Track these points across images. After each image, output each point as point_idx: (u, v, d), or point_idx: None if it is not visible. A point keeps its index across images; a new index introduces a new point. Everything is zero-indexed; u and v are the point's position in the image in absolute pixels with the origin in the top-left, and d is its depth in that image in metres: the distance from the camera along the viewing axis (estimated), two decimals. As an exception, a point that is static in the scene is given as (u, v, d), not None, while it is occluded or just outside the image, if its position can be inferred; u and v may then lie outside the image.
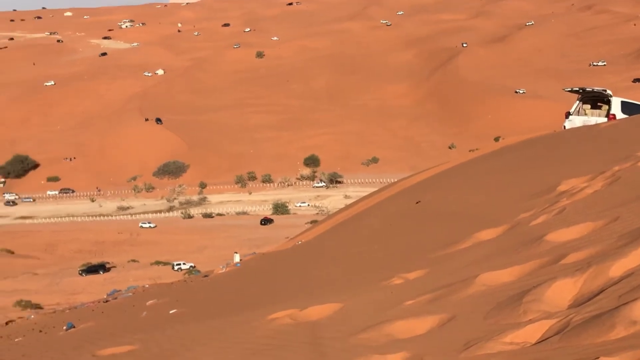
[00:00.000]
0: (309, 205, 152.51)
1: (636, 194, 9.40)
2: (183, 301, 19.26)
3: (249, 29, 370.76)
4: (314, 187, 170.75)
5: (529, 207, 11.72)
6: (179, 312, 16.71)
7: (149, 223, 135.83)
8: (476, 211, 13.83)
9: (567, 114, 28.35)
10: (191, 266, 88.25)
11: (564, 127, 28.12)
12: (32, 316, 50.03)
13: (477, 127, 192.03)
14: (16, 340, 22.07)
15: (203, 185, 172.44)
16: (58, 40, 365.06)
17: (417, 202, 19.07)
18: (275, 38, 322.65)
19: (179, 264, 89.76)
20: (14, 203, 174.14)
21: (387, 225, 18.39)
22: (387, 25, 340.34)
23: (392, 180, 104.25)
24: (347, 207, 38.40)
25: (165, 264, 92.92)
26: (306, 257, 19.91)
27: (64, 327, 22.46)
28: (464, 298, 7.28)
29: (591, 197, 10.71)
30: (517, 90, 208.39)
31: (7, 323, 48.31)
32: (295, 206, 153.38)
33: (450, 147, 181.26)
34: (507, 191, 15.29)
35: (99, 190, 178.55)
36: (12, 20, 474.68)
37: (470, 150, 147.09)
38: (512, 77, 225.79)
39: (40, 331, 24.21)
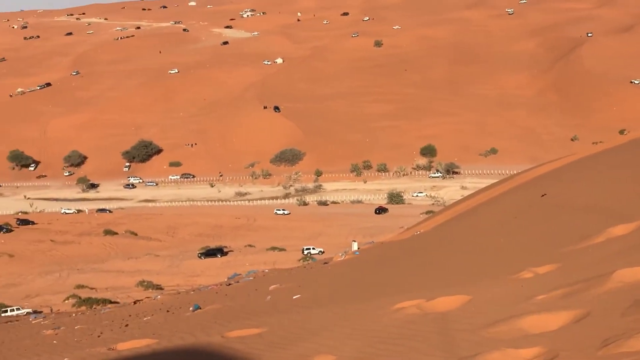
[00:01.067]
0: (426, 195, 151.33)
1: None
2: (305, 287, 19.47)
3: (367, 18, 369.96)
4: (430, 177, 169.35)
5: (665, 203, 11.27)
6: (302, 297, 16.91)
7: (283, 210, 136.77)
8: (608, 205, 13.34)
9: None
10: (320, 251, 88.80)
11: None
12: (159, 296, 51.84)
13: (600, 119, 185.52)
14: (145, 319, 22.85)
15: (319, 173, 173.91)
16: (184, 30, 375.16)
17: (542, 195, 18.57)
18: (397, 27, 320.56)
19: (309, 249, 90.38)
20: (133, 186, 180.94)
21: (511, 217, 18.01)
22: (509, 13, 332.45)
23: (512, 172, 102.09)
24: (466, 198, 37.89)
25: (280, 249, 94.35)
26: (428, 248, 19.76)
27: (190, 308, 23.11)
28: (599, 294, 7.07)
29: None
30: (633, 81, 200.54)
31: (135, 302, 50.42)
32: (412, 196, 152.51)
33: (572, 139, 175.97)
34: (639, 186, 14.69)
35: (221, 176, 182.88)
36: (144, 9, 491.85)
37: (594, 143, 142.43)
38: (638, 68, 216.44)
39: (168, 311, 24.98)
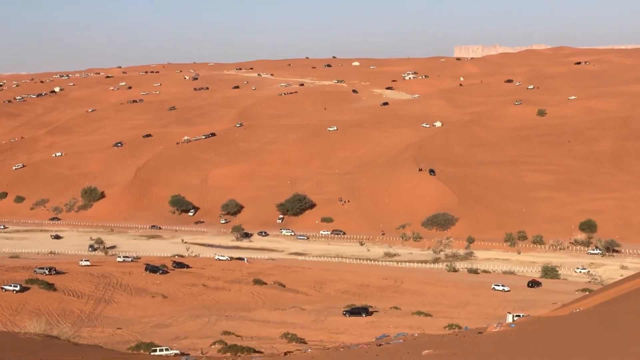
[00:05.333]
0: (588, 271, 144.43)
1: None
2: (461, 355, 18.40)
3: (532, 86, 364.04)
4: (588, 253, 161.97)
5: None
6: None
7: (501, 285, 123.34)
8: None
9: None
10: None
11: None
12: (309, 350, 51.54)
13: None
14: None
15: (471, 240, 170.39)
16: (354, 91, 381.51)
17: None
18: (573, 97, 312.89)
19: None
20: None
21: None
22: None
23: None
24: (627, 278, 35.40)
25: (426, 315, 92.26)
26: (590, 327, 18.29)
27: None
28: None
29: None
30: None
31: (285, 354, 50.35)
32: (574, 272, 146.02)
33: None
34: None
35: (383, 234, 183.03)
36: (313, 67, 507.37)
37: None
38: None
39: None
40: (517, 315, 62.07)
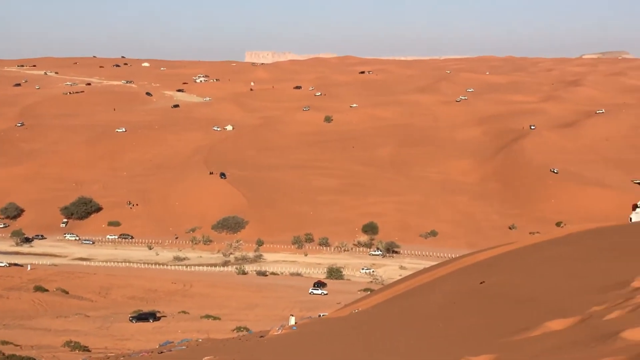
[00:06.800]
0: (372, 271, 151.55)
1: None
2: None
3: (320, 93, 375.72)
4: (370, 254, 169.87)
5: (601, 300, 11.53)
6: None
7: (320, 290, 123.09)
8: (545, 299, 13.63)
9: (635, 206, 27.99)
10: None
11: (631, 219, 27.72)
12: (89, 359, 50.39)
13: (538, 210, 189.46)
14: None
15: (260, 243, 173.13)
16: (147, 93, 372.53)
17: (481, 283, 18.86)
18: (354, 105, 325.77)
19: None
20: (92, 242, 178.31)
21: (450, 302, 18.21)
22: (457, 101, 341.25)
23: (449, 255, 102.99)
24: (405, 278, 38.13)
25: (215, 318, 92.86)
26: (366, 328, 19.82)
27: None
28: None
29: (669, 298, 10.53)
30: (553, 170, 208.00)
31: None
32: (360, 272, 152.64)
33: (510, 228, 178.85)
34: (577, 281, 15.07)
35: (177, 238, 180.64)
36: (101, 67, 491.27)
37: (530, 233, 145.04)
38: (578, 163, 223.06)
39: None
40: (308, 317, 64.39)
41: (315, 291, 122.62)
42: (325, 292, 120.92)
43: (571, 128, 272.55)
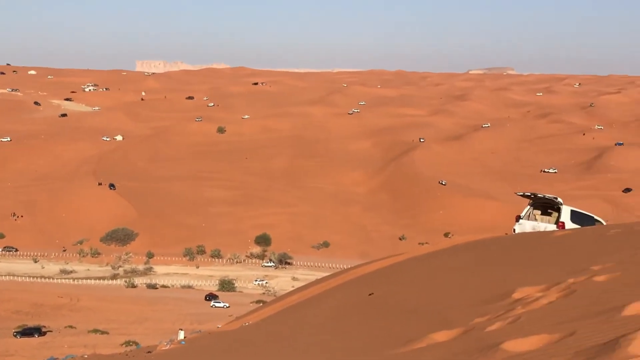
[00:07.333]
0: (265, 283, 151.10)
1: (592, 310, 9.58)
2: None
3: (212, 104, 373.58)
4: (262, 266, 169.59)
5: (483, 312, 11.81)
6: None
7: (222, 302, 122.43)
8: (430, 310, 13.87)
9: (518, 218, 28.90)
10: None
11: (514, 230, 28.61)
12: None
13: (427, 221, 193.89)
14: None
15: (150, 255, 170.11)
16: (35, 102, 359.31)
17: (370, 294, 19.07)
18: (246, 116, 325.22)
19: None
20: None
21: (339, 314, 18.32)
22: (349, 113, 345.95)
23: (341, 266, 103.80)
24: (297, 290, 38.16)
25: (103, 332, 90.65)
26: (255, 342, 19.69)
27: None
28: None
29: (547, 308, 10.84)
30: (441, 181, 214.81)
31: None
32: (253, 284, 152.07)
33: (400, 239, 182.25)
34: (462, 292, 15.41)
35: (65, 250, 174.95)
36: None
37: (419, 244, 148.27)
38: (466, 175, 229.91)
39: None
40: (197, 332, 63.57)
41: (217, 304, 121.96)
42: (227, 305, 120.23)
43: (459, 141, 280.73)
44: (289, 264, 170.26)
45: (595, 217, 28.04)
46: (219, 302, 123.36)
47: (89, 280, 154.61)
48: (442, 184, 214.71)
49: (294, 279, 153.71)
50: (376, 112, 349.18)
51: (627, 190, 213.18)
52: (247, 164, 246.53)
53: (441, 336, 10.71)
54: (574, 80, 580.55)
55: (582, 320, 9.04)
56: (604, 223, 27.53)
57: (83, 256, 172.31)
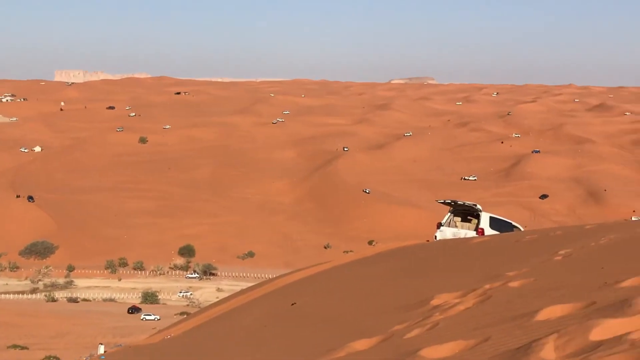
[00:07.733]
0: (190, 294, 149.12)
1: (506, 315, 9.78)
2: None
3: (134, 114, 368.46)
4: (186, 277, 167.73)
5: (403, 319, 11.93)
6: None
7: (153, 315, 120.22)
8: (351, 319, 13.96)
9: (439, 225, 29.35)
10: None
11: (435, 237, 29.04)
12: None
13: (352, 229, 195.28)
14: None
15: (71, 269, 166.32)
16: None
17: (292, 304, 19.07)
18: (167, 126, 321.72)
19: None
20: None
21: (262, 325, 18.25)
22: (273, 123, 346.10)
23: (266, 276, 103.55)
24: (221, 301, 37.89)
25: (22, 348, 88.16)
26: (177, 355, 19.45)
27: None
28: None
29: (463, 314, 11.02)
30: (365, 190, 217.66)
31: None
32: (177, 295, 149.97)
33: (325, 247, 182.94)
34: (382, 300, 15.55)
35: None
36: None
37: (344, 252, 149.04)
38: (388, 183, 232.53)
39: None
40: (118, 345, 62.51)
41: (147, 317, 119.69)
42: (158, 318, 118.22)
43: (381, 150, 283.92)
44: (213, 274, 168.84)
45: (513, 224, 28.71)
46: (149, 315, 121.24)
47: (7, 295, 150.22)
48: (366, 192, 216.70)
49: (218, 289, 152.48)
50: (300, 122, 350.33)
51: (544, 196, 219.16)
52: (171, 175, 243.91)
53: (361, 345, 10.77)
54: (492, 90, 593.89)
55: (496, 325, 9.23)
56: (522, 229, 28.22)
57: (1, 270, 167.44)
